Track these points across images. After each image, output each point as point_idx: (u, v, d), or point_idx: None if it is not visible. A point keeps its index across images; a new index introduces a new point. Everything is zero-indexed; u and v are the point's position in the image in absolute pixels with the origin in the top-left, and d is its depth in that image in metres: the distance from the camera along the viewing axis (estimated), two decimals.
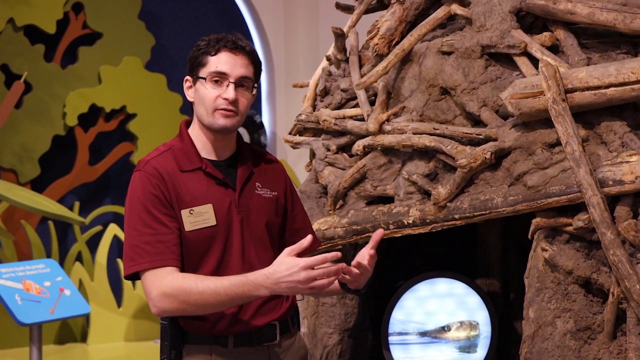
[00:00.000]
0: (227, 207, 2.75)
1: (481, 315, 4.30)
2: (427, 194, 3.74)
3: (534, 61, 3.55)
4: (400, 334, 4.27)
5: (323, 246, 4.01)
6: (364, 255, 2.73)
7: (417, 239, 4.00)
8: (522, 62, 3.58)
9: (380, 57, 4.07)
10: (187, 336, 2.76)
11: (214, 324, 2.73)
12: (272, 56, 8.56)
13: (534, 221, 3.39)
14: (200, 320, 2.73)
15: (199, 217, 2.69)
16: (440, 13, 3.94)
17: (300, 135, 4.60)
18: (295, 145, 4.60)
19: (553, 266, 3.34)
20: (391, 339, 4.27)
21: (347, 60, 4.41)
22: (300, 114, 4.52)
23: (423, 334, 4.29)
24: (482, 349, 4.30)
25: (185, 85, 2.81)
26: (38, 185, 7.38)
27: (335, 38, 4.36)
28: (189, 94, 2.79)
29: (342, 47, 4.41)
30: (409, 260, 4.73)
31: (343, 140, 4.19)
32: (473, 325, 4.30)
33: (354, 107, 4.25)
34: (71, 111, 7.55)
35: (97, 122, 7.76)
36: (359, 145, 3.99)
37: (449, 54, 3.79)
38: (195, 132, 2.82)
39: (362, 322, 4.27)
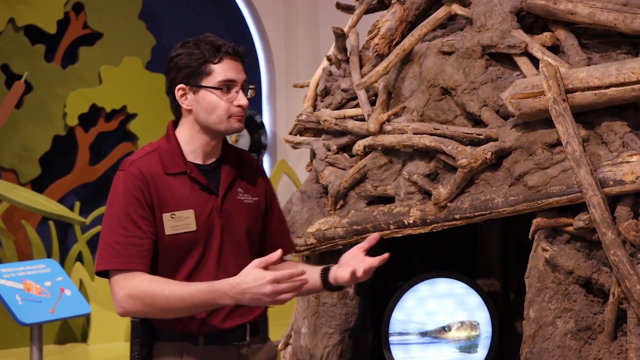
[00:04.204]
0: (209, 212, 2.80)
1: (482, 316, 4.30)
2: (427, 194, 3.74)
3: (535, 61, 3.55)
4: (400, 334, 4.27)
5: (323, 246, 4.01)
6: (364, 261, 2.79)
7: (418, 239, 4.00)
8: (523, 62, 3.58)
9: (380, 57, 4.07)
10: (158, 334, 2.80)
11: (186, 324, 2.77)
12: (272, 56, 8.56)
13: (534, 221, 3.39)
14: (172, 320, 2.76)
15: (180, 222, 2.74)
16: (440, 13, 3.94)
17: (300, 135, 4.60)
18: (296, 146, 4.60)
19: (554, 266, 3.34)
20: (391, 339, 4.27)
21: (347, 61, 4.41)
22: (300, 114, 4.52)
23: (423, 334, 4.29)
24: (482, 349, 4.30)
25: (179, 93, 2.83)
26: (38, 185, 7.39)
27: (336, 38, 4.36)
28: (185, 103, 2.82)
29: (342, 47, 4.42)
30: (410, 260, 4.73)
31: (343, 140, 4.19)
32: (473, 326, 4.30)
33: (354, 107, 4.24)
34: (71, 111, 7.55)
35: (98, 122, 7.76)
36: (359, 146, 3.99)
37: (449, 54, 3.79)
38: (185, 135, 2.87)
39: (362, 322, 4.27)
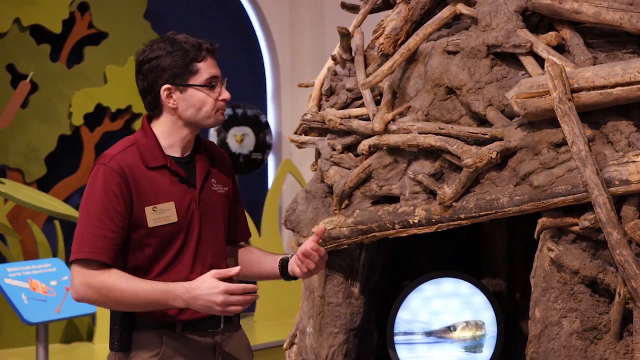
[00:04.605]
0: (188, 203, 2.90)
1: (487, 315, 4.30)
2: (432, 194, 3.73)
3: (540, 61, 3.54)
4: (405, 333, 4.28)
5: (329, 246, 4.01)
6: (312, 251, 2.92)
7: (423, 238, 4.00)
8: (528, 62, 3.58)
9: (385, 56, 4.06)
10: (136, 321, 2.88)
11: (164, 312, 2.86)
12: (277, 56, 8.57)
13: (540, 221, 3.39)
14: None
15: (161, 214, 2.84)
16: (445, 13, 3.93)
17: (305, 134, 4.59)
18: (301, 145, 4.60)
19: (559, 266, 3.34)
20: (397, 338, 4.27)
21: (352, 60, 4.40)
22: (305, 114, 4.52)
23: (429, 333, 4.29)
24: (488, 349, 4.30)
25: (164, 94, 2.90)
26: (44, 185, 7.40)
27: (341, 38, 4.36)
28: (170, 102, 2.90)
29: (347, 47, 4.41)
30: (415, 260, 4.73)
31: (348, 139, 4.19)
32: (479, 325, 4.30)
33: (359, 106, 4.24)
34: (77, 111, 7.56)
35: (103, 122, 7.77)
36: (364, 145, 3.99)
37: (454, 53, 3.78)
38: (163, 130, 2.96)
39: (367, 321, 4.27)
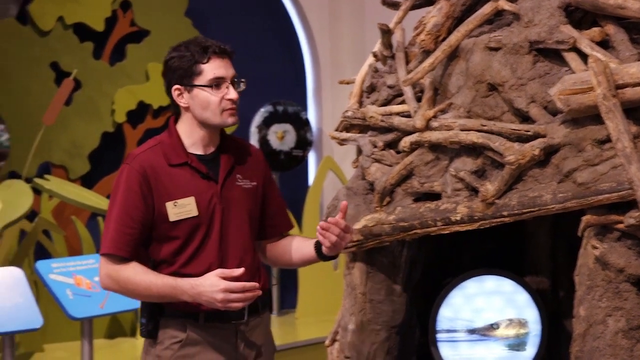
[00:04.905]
0: (209, 198, 3.05)
1: (530, 313, 4.27)
2: (474, 191, 3.72)
3: (584, 57, 3.51)
4: (448, 331, 4.26)
5: (370, 243, 4.01)
6: (329, 224, 3.01)
7: (465, 236, 3.99)
8: (571, 58, 3.55)
9: (427, 53, 4.05)
10: (163, 310, 3.07)
11: (187, 303, 3.00)
12: (317, 53, 8.57)
13: (583, 218, 3.36)
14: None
15: (182, 209, 3.00)
16: (487, 9, 3.91)
17: (346, 131, 4.59)
18: (342, 142, 4.61)
19: (604, 264, 3.31)
20: (439, 336, 4.26)
21: (393, 57, 4.40)
22: (346, 111, 4.52)
23: (471, 331, 4.27)
24: (531, 347, 4.28)
25: (175, 93, 3.11)
26: (88, 182, 7.47)
27: (382, 34, 4.36)
28: (182, 101, 3.10)
29: (388, 44, 4.41)
30: (457, 257, 4.71)
31: (390, 136, 4.18)
32: (522, 323, 4.28)
33: (400, 103, 4.23)
34: (119, 108, 7.63)
35: (145, 119, 7.83)
36: (405, 142, 3.98)
37: (496, 49, 3.76)
38: (185, 129, 3.13)
39: (409, 319, 4.27)
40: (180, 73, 3.09)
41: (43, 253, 6.83)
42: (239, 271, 2.92)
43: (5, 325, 4.73)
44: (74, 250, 7.18)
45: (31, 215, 6.64)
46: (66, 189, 6.57)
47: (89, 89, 7.51)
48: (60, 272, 5.28)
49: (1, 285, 4.90)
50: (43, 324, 4.89)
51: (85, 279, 5.30)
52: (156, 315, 3.08)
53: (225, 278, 2.91)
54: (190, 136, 3.12)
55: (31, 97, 7.21)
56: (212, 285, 2.90)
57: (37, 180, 6.55)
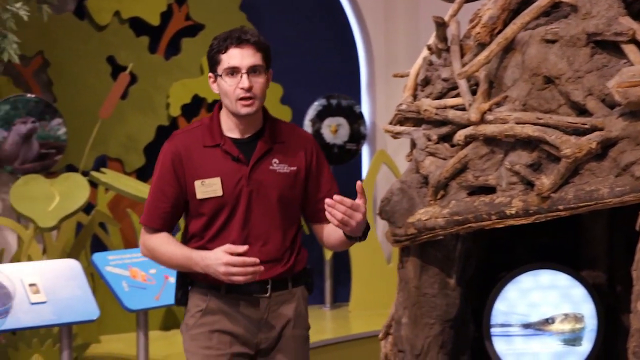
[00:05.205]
0: (237, 180, 3.22)
1: (586, 308, 4.23)
2: (530, 185, 3.69)
3: None
4: (502, 325, 4.24)
5: (424, 236, 4.00)
6: (333, 201, 3.11)
7: (520, 229, 3.96)
8: (630, 50, 3.50)
9: (482, 46, 4.02)
10: (192, 282, 3.33)
11: (208, 275, 3.21)
12: (371, 46, 8.55)
13: None
14: (199, 272, 3.25)
15: (208, 188, 3.20)
16: (543, 1, 3.87)
17: (400, 125, 4.58)
18: (396, 136, 4.59)
19: None
20: (493, 330, 4.24)
21: (448, 50, 4.37)
22: (400, 104, 4.51)
23: (526, 325, 4.24)
24: (587, 342, 4.23)
25: (210, 81, 3.31)
26: (143, 175, 7.55)
27: (436, 27, 4.33)
28: (214, 88, 3.29)
29: (443, 37, 4.38)
30: (511, 251, 4.68)
31: (444, 130, 4.17)
32: (578, 318, 4.23)
33: (455, 96, 4.21)
34: (174, 102, 7.69)
35: (200, 113, 7.88)
36: (460, 135, 3.96)
37: (553, 42, 3.72)
38: (223, 114, 3.32)
39: (463, 313, 4.25)
40: (210, 62, 3.29)
41: (99, 245, 6.92)
42: (243, 248, 3.10)
43: (62, 316, 4.81)
44: (130, 242, 7.26)
45: (88, 208, 6.74)
46: (122, 182, 6.65)
47: (145, 83, 7.58)
48: (116, 264, 5.35)
49: (59, 277, 4.98)
50: (99, 315, 4.96)
51: (140, 271, 5.36)
52: (185, 285, 3.34)
53: (231, 254, 3.10)
54: (227, 121, 3.28)
55: (88, 91, 7.30)
56: (217, 258, 3.11)
57: (94, 174, 6.64)
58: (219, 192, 3.21)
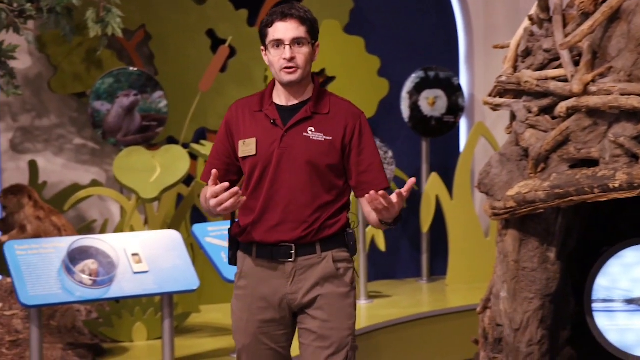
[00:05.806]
0: (271, 142, 3.41)
1: None
2: (634, 157, 3.62)
3: None
4: (604, 300, 4.17)
5: (524, 210, 3.95)
6: (376, 195, 3.20)
7: (622, 203, 3.88)
8: None
9: (585, 15, 3.94)
10: (238, 243, 3.55)
11: (241, 232, 3.47)
12: (470, 17, 8.44)
13: None
14: (238, 233, 3.50)
15: (247, 147, 3.44)
16: None
17: (500, 97, 4.53)
18: (495, 108, 4.54)
19: None
20: (595, 305, 4.17)
21: (550, 20, 4.29)
22: (500, 76, 4.46)
23: (629, 301, 4.17)
24: None
25: (263, 53, 3.49)
26: None
27: None
28: (266, 60, 3.48)
29: (545, 6, 4.31)
30: (614, 225, 4.59)
31: (545, 102, 4.10)
32: None
33: (557, 67, 4.14)
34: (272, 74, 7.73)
35: None
36: (562, 107, 3.90)
37: None
38: (276, 84, 3.53)
39: (564, 287, 4.19)
40: (260, 36, 3.48)
41: (199, 217, 7.04)
42: (225, 185, 3.27)
43: (164, 286, 4.92)
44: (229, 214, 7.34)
45: (188, 179, 6.85)
46: None
47: (244, 56, 7.63)
48: (215, 235, 5.43)
49: (160, 247, 5.09)
50: (199, 285, 5.05)
51: None
52: (233, 246, 3.56)
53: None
54: (277, 89, 3.50)
55: (188, 65, 7.40)
56: (210, 194, 3.31)
57: (194, 146, 6.73)
58: (253, 152, 3.43)
